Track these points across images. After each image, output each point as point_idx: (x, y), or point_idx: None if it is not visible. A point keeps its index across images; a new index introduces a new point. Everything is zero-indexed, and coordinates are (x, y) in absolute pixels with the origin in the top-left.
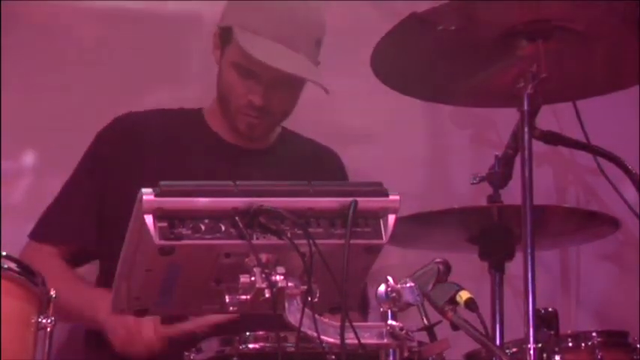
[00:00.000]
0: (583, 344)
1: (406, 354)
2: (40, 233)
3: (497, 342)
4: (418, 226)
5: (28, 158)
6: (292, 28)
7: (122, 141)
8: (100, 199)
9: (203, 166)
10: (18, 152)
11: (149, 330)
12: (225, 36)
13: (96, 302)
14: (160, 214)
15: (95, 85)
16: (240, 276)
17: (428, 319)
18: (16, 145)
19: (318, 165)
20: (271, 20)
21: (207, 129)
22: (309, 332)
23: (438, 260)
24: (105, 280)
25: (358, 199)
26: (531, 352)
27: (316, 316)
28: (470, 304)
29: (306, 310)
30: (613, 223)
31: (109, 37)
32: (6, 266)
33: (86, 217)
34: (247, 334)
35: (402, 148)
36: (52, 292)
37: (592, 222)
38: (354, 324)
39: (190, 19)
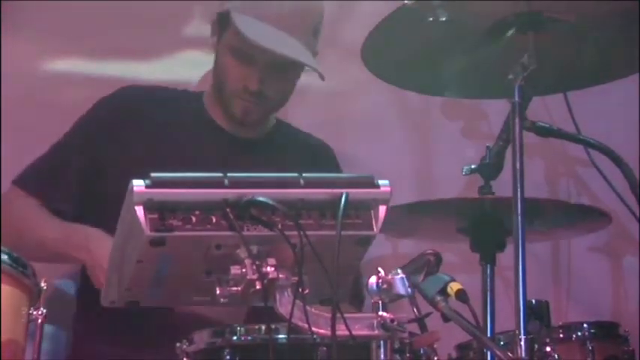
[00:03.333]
0: (574, 336)
1: (397, 345)
2: (24, 181)
3: (489, 333)
4: (409, 218)
5: None
6: (289, 14)
7: (122, 110)
8: (91, 162)
9: (197, 151)
10: None
11: None
12: (222, 21)
13: (71, 238)
14: (150, 206)
15: None
16: (231, 267)
17: (419, 310)
18: None
19: (313, 157)
20: (269, 6)
21: (205, 114)
22: (300, 324)
23: (428, 251)
24: None
25: (349, 190)
26: (522, 343)
27: (307, 307)
28: (461, 295)
29: (297, 301)
30: (605, 218)
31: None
32: None
33: (71, 175)
34: (238, 325)
35: (393, 140)
36: (43, 284)
37: (584, 216)
38: (345, 315)
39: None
